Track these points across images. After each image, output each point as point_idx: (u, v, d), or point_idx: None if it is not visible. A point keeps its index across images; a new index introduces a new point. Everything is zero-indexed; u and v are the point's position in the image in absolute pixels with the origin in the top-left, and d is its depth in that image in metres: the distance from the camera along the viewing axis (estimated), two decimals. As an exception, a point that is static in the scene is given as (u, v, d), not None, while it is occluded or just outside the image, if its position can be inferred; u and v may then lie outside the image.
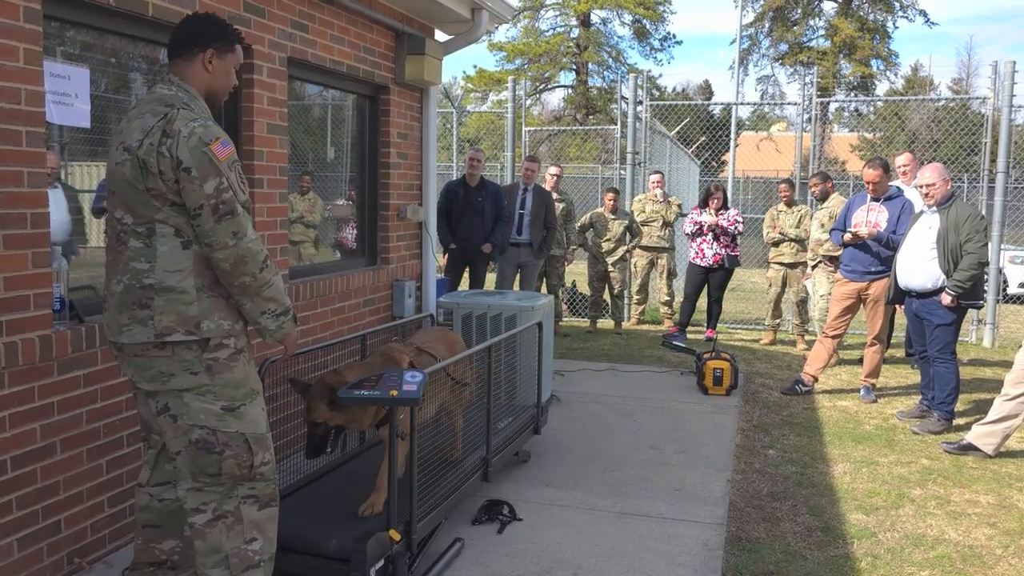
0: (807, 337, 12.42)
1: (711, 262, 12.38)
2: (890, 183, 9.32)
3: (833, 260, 11.17)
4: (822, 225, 11.15)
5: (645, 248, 13.78)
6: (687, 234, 12.53)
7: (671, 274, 14.05)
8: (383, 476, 4.96)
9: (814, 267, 11.56)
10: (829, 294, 11.05)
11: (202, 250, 3.71)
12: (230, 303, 3.81)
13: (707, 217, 12.29)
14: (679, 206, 13.92)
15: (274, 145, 6.36)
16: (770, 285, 12.54)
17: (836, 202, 11.29)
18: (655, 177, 13.84)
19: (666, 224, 13.72)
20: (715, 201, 12.40)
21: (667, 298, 14.12)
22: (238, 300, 3.79)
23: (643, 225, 13.72)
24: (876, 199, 9.11)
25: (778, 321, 12.76)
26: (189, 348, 3.74)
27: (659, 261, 13.91)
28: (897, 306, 9.00)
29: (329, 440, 4.78)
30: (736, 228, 12.24)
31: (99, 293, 5.07)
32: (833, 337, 9.41)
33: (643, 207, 13.78)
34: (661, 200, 13.71)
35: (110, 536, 4.99)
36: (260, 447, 3.89)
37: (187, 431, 3.80)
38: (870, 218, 9.06)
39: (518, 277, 11.71)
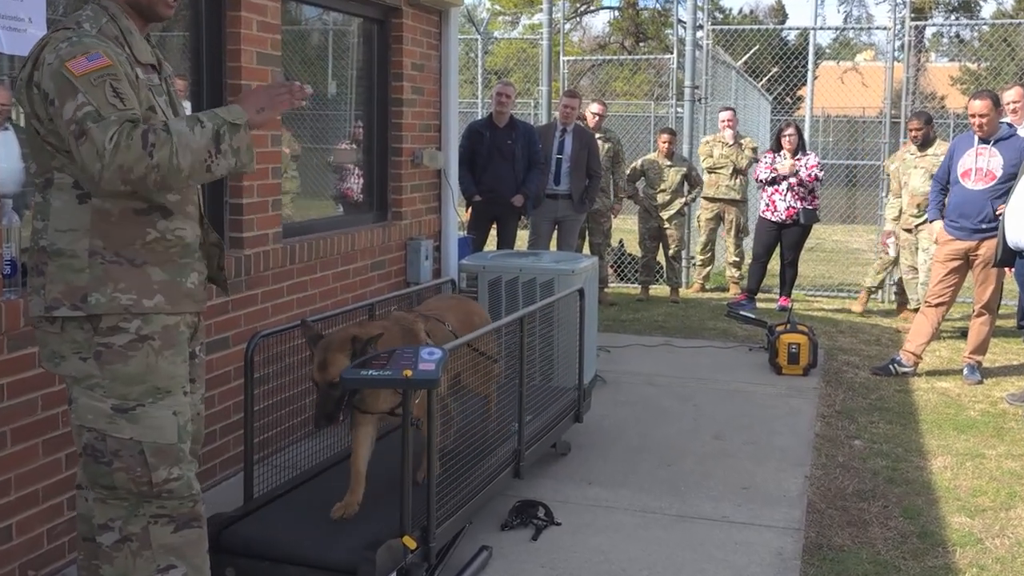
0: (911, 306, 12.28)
1: (784, 217, 12.31)
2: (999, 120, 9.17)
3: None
4: (930, 176, 10.94)
5: (712, 200, 13.73)
6: (761, 181, 12.42)
7: (742, 231, 13.99)
8: (357, 465, 5.00)
9: (919, 226, 11.40)
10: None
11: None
12: (144, 271, 3.68)
13: (784, 162, 12.16)
14: (754, 149, 13.87)
15: (265, 78, 6.32)
16: (886, 249, 12.38)
17: (943, 150, 11.13)
18: (725, 115, 13.76)
19: (737, 171, 13.65)
20: (788, 141, 12.28)
21: (735, 259, 14.09)
22: (178, 189, 3.65)
23: (710, 172, 13.67)
24: (985, 141, 8.97)
25: (879, 284, 12.67)
26: (80, 327, 3.63)
27: (728, 215, 13.88)
28: (1007, 269, 8.87)
29: (344, 406, 4.76)
30: (814, 175, 12.09)
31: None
32: (937, 306, 9.30)
33: (710, 151, 13.73)
34: (732, 143, 13.62)
35: (71, 544, 4.97)
36: (163, 460, 3.72)
37: (79, 432, 3.72)
38: (980, 164, 8.92)
39: (555, 235, 11.70)
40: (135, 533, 3.74)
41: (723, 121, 13.77)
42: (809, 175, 12.10)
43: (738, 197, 13.78)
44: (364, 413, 5.06)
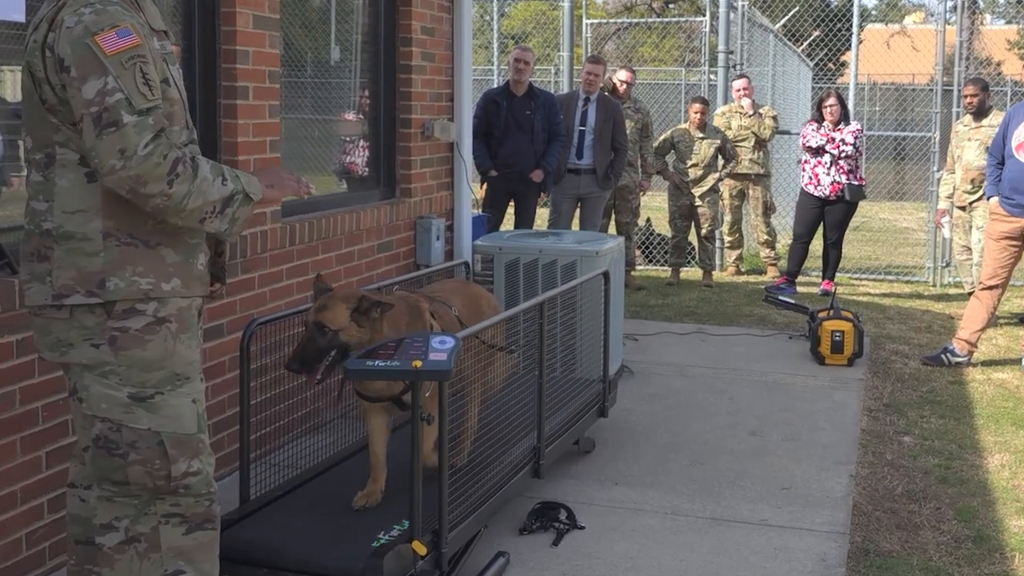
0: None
1: (828, 192, 12.25)
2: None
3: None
4: (985, 148, 10.85)
5: (734, 176, 13.70)
6: (809, 148, 12.35)
7: (768, 208, 13.96)
8: (375, 451, 5.05)
9: (973, 203, 11.34)
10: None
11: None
12: (158, 253, 3.69)
13: (818, 138, 12.10)
14: (774, 118, 13.84)
15: (262, 43, 6.33)
16: (940, 229, 12.37)
17: (999, 121, 11.05)
18: (740, 83, 13.75)
19: (759, 143, 13.59)
20: (830, 112, 12.22)
21: (766, 237, 14.05)
22: (166, 219, 3.65)
23: (729, 146, 13.66)
24: (1045, 109, 8.91)
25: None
26: (91, 311, 3.63)
27: (752, 192, 13.88)
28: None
29: (326, 361, 4.76)
30: (848, 142, 12.01)
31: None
32: (991, 288, 9.25)
33: (728, 122, 13.69)
34: (751, 112, 13.58)
35: (51, 550, 4.98)
36: (183, 452, 3.75)
37: (91, 423, 3.72)
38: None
39: (577, 213, 11.69)
40: (143, 533, 3.75)
41: (738, 90, 13.75)
42: (842, 149, 11.98)
43: (762, 171, 13.77)
44: (369, 401, 5.07)
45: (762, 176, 13.81)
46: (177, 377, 3.74)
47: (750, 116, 13.59)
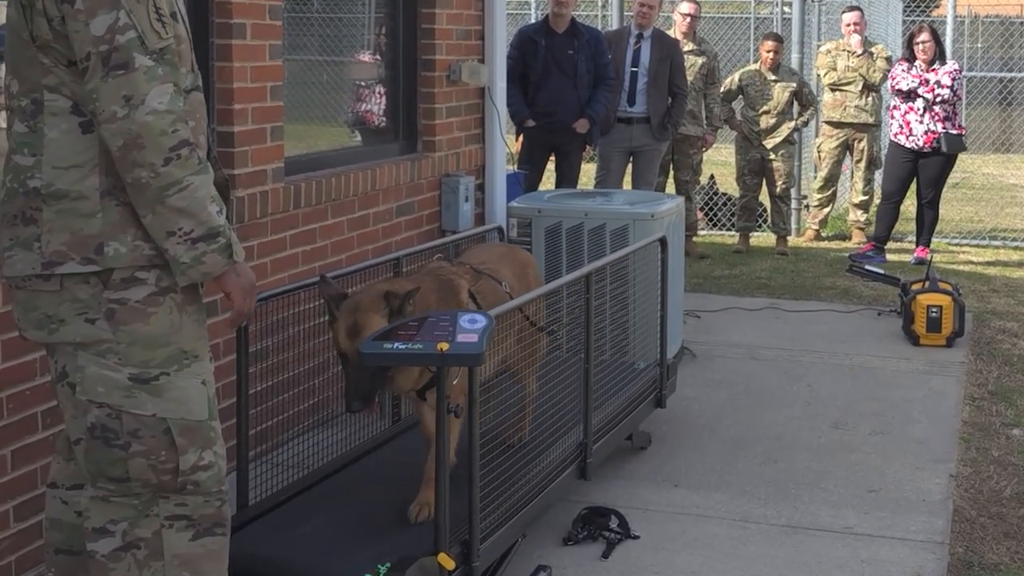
0: None
1: (921, 144, 12.19)
2: None
3: None
4: None
5: (836, 124, 13.67)
6: (899, 92, 12.25)
7: (874, 163, 13.88)
8: (431, 463, 4.97)
9: None
10: None
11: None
12: None
13: (910, 80, 12.03)
14: (887, 59, 13.74)
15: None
16: None
17: None
18: (851, 16, 13.66)
19: (869, 88, 13.51)
20: (923, 50, 12.13)
21: (863, 197, 13.99)
22: (137, 209, 3.63)
23: (834, 90, 13.61)
24: None
25: None
26: (85, 281, 3.62)
27: (858, 144, 13.82)
28: None
29: (382, 382, 4.79)
30: (953, 86, 11.95)
31: None
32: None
33: (833, 62, 13.63)
34: (860, 51, 13.50)
35: (17, 564, 5.01)
36: (193, 441, 3.75)
37: (85, 410, 3.70)
38: None
39: (629, 170, 11.69)
40: (144, 539, 3.75)
41: (848, 24, 13.64)
42: (937, 92, 11.91)
43: (871, 120, 13.70)
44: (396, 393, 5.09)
45: (870, 125, 13.75)
46: (185, 355, 3.74)
47: (858, 56, 13.50)
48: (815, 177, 14.29)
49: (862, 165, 13.86)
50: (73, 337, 3.64)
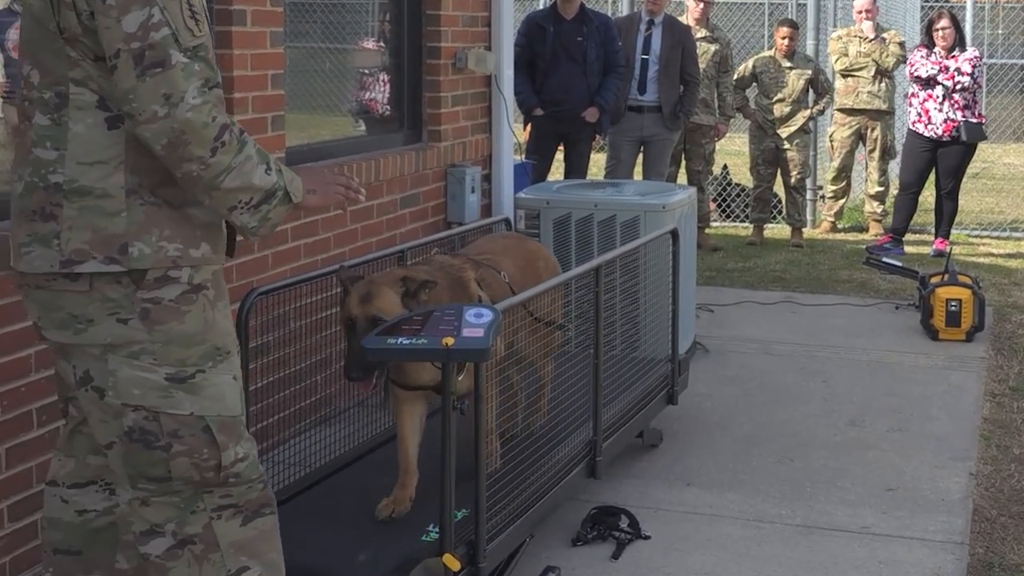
0: None
1: (941, 132, 12.18)
2: None
3: None
4: None
5: (849, 112, 13.66)
6: (917, 79, 12.24)
7: (888, 152, 13.86)
8: (405, 450, 5.07)
9: None
10: None
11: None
12: (184, 214, 3.70)
13: (929, 66, 12.01)
14: (900, 44, 13.72)
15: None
16: None
17: None
18: (863, 3, 13.63)
19: (882, 74, 13.50)
20: (943, 36, 12.12)
21: (878, 189, 13.98)
22: (194, 196, 3.68)
23: (846, 76, 13.59)
24: None
25: None
26: (117, 281, 3.62)
27: (871, 132, 13.80)
28: None
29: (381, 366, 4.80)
30: (973, 73, 11.94)
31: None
32: None
33: (845, 48, 13.63)
34: (873, 37, 13.49)
35: (11, 565, 5.01)
36: (230, 436, 3.77)
37: (119, 414, 3.70)
38: None
39: (640, 159, 11.67)
40: (196, 534, 3.77)
41: (860, 11, 13.62)
42: (957, 80, 11.89)
43: (884, 107, 13.68)
44: (404, 389, 5.06)
45: (883, 113, 13.72)
46: (218, 351, 3.77)
47: (871, 41, 13.49)
48: (829, 167, 14.27)
49: (876, 155, 13.82)
50: (103, 339, 3.64)
